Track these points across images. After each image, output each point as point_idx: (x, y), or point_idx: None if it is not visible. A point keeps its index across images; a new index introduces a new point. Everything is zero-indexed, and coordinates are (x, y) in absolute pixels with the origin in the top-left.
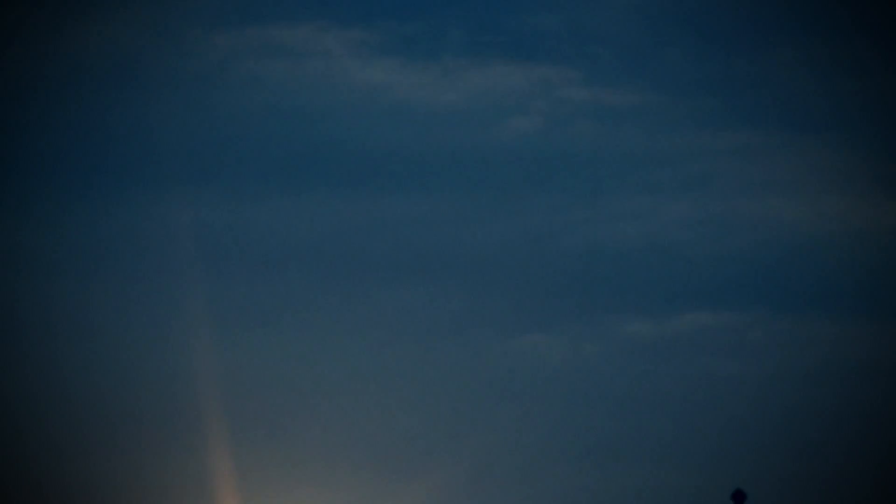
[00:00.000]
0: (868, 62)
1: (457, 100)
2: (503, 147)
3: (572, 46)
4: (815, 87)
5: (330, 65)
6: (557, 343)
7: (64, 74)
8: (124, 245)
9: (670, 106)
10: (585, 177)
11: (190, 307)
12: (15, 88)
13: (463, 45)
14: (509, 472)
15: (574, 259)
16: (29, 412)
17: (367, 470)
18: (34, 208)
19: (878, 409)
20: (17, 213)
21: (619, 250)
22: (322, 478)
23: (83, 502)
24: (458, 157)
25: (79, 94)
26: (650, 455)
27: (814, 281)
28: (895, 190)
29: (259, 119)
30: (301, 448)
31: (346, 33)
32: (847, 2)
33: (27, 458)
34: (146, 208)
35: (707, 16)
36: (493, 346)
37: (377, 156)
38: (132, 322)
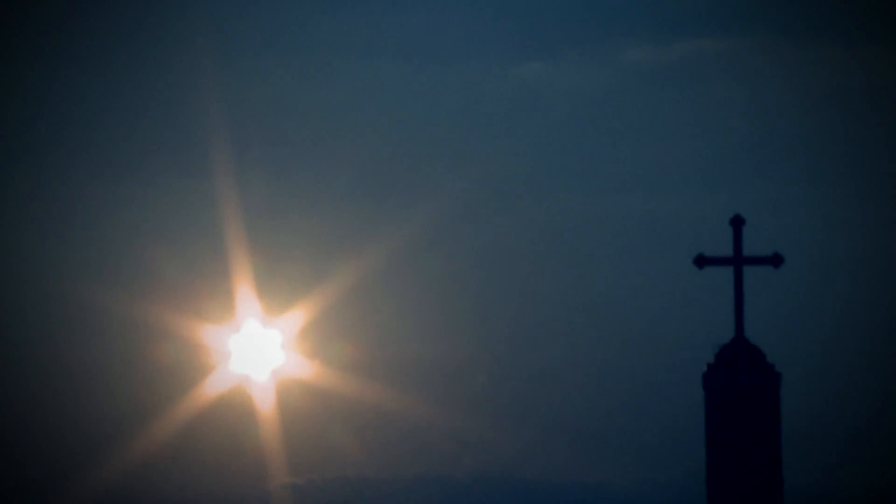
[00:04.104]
0: None
1: None
2: None
3: None
4: None
5: None
6: (557, 70)
7: None
8: None
9: None
10: None
11: (195, 31)
12: None
13: None
14: (508, 199)
15: None
16: (36, 139)
17: (367, 196)
18: None
19: (878, 133)
20: None
21: None
22: (323, 204)
23: (90, 230)
24: None
25: None
26: (651, 181)
27: (816, 4)
28: None
29: None
30: (303, 174)
31: None
32: None
33: (33, 185)
34: None
35: None
36: (493, 73)
37: None
38: (138, 46)
